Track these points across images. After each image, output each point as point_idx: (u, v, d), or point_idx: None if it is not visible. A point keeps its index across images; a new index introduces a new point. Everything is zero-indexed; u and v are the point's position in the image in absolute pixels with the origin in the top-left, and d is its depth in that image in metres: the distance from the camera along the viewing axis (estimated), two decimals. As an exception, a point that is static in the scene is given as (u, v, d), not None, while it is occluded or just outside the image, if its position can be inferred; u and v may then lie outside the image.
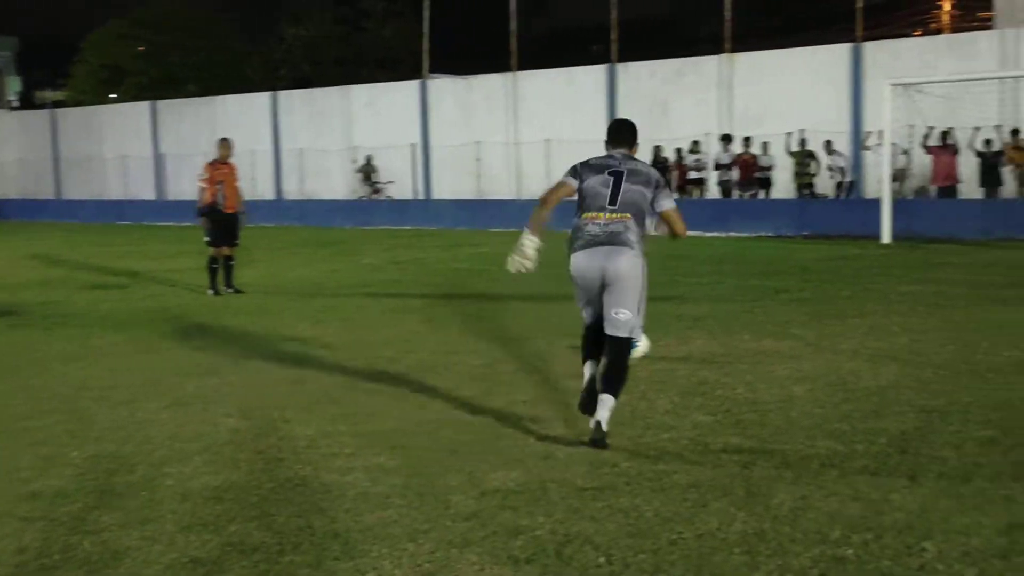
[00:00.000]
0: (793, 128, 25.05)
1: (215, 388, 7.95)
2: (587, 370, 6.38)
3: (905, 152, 23.83)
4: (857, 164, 25.43)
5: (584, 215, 6.30)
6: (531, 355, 8.99)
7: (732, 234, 23.27)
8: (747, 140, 25.86)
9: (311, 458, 5.97)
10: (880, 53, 26.64)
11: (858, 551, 4.41)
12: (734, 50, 28.96)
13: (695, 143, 27.09)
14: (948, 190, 23.18)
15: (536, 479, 5.47)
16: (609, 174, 6.30)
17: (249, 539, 4.72)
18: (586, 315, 6.42)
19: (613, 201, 6.22)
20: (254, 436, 6.50)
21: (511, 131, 32.62)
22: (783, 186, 26.02)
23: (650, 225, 6.35)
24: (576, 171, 6.45)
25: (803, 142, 24.86)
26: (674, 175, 26.78)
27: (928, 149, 23.21)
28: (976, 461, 5.57)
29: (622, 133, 6.59)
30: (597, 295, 6.23)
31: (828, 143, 24.91)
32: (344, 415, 6.96)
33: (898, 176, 23.21)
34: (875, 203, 21.29)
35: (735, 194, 26.04)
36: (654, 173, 6.41)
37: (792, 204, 24.69)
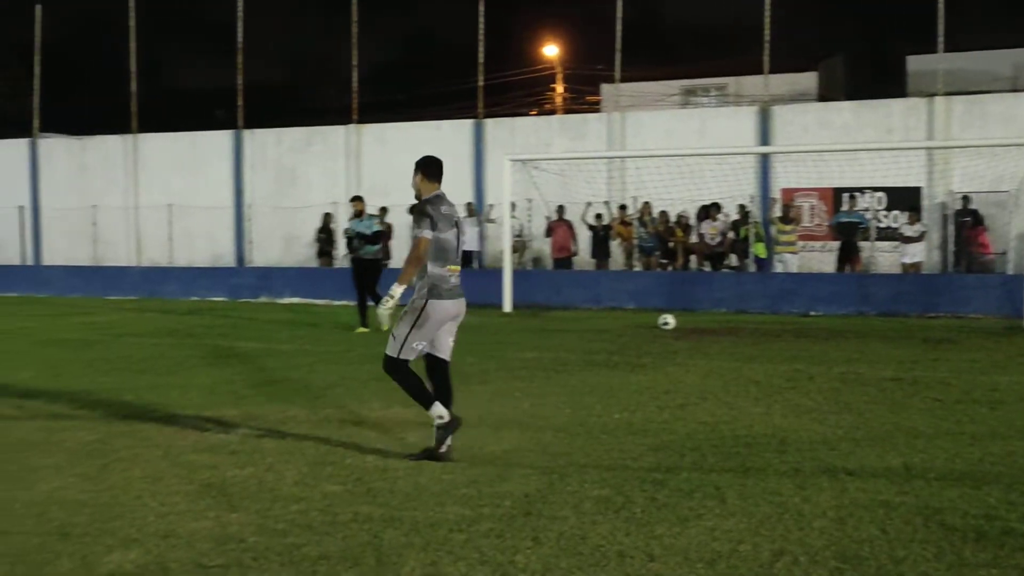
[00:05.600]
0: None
1: None
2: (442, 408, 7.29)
3: (522, 226, 25.05)
4: (481, 235, 26.40)
5: (448, 267, 7.30)
6: (147, 428, 8.54)
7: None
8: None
9: None
10: (499, 130, 27.96)
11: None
12: (361, 121, 29.40)
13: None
14: (564, 261, 24.52)
15: (156, 559, 5.15)
16: (455, 225, 7.38)
17: None
18: (422, 349, 7.30)
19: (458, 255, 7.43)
20: None
21: (131, 195, 31.39)
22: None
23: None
24: (432, 222, 7.20)
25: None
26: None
27: (547, 222, 24.53)
28: (593, 519, 5.80)
29: (442, 172, 7.56)
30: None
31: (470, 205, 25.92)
32: (-65, 500, 6.30)
33: (517, 247, 24.31)
34: (497, 273, 22.12)
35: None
36: None
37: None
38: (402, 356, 7.25)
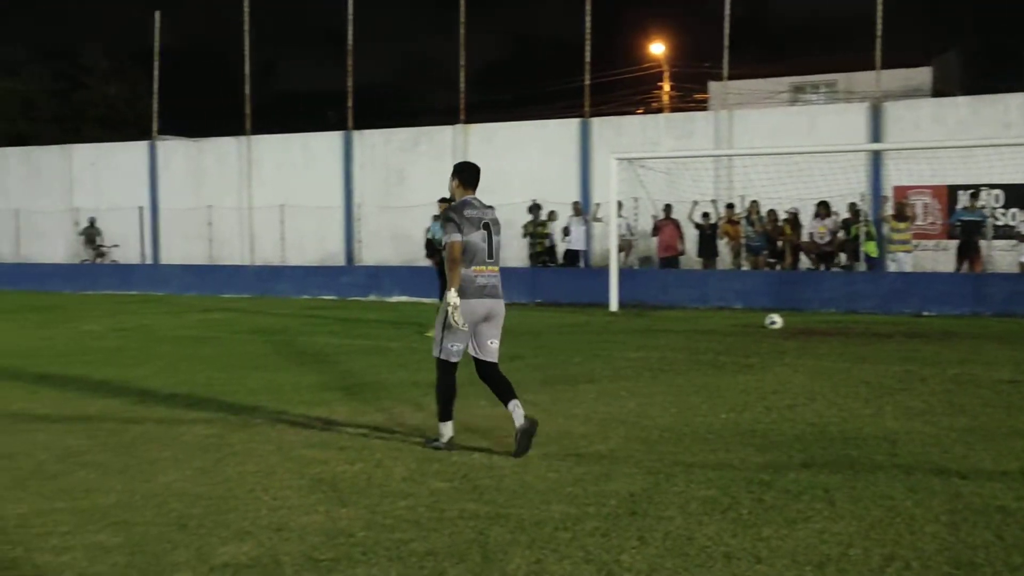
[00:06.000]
0: (526, 197, 25.75)
1: (-86, 465, 7.30)
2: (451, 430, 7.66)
3: (629, 225, 24.94)
4: (588, 234, 26.34)
5: (474, 267, 7.39)
6: (260, 423, 8.75)
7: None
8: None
9: (22, 538, 5.55)
10: (606, 129, 27.90)
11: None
12: (468, 121, 29.60)
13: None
14: (671, 260, 24.36)
15: (268, 552, 5.28)
16: (483, 227, 7.45)
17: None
18: (458, 350, 7.52)
19: (491, 255, 7.49)
20: (-42, 516, 6.00)
21: (244, 195, 32.09)
22: (515, 254, 26.58)
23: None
24: (456, 226, 7.35)
25: (538, 209, 25.46)
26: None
27: (653, 221, 24.41)
28: (699, 520, 5.78)
29: (477, 178, 7.65)
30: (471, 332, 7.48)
31: (575, 204, 25.83)
32: (61, 491, 6.54)
33: (624, 246, 24.23)
34: (603, 272, 22.10)
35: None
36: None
37: (524, 272, 25.22)
38: (443, 357, 7.58)
